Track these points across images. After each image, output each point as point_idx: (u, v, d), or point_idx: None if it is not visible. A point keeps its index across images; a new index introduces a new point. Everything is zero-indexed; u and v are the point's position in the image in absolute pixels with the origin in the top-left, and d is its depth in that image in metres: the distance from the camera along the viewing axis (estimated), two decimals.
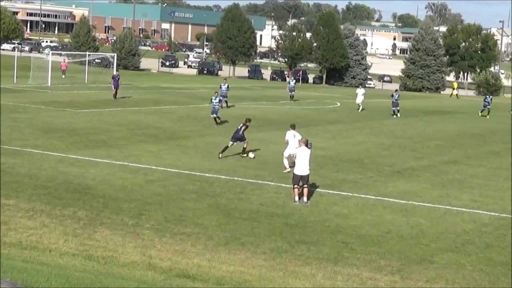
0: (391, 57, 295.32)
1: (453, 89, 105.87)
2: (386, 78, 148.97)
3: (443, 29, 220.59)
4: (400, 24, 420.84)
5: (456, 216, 23.84)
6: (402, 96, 67.60)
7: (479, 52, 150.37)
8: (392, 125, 52.24)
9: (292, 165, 26.69)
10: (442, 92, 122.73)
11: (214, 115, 44.96)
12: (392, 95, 59.45)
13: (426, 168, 33.47)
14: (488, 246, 20.47)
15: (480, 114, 65.29)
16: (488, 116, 63.88)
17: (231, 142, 33.39)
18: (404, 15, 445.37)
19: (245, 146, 33.57)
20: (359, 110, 60.34)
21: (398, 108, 58.47)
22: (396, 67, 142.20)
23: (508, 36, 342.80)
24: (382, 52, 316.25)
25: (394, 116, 57.63)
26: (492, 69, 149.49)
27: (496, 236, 21.60)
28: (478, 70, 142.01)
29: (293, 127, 31.18)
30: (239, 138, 33.67)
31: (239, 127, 34.02)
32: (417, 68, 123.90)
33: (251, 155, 33.34)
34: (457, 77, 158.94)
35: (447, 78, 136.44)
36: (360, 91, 61.97)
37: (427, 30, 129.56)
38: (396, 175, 30.98)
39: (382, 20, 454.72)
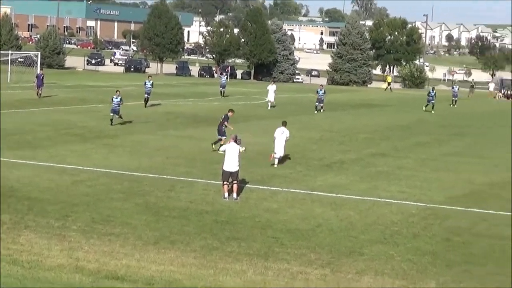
0: (318, 51, 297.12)
1: (387, 82, 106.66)
2: (314, 73, 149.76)
3: (369, 23, 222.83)
4: (327, 19, 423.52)
5: (384, 207, 24.01)
6: (330, 90, 67.98)
7: (404, 45, 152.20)
8: (320, 119, 52.46)
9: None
10: (369, 85, 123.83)
11: (112, 114, 41.83)
12: (317, 91, 58.92)
13: (354, 161, 33.68)
14: (416, 236, 20.65)
15: (424, 108, 63.50)
16: (433, 111, 62.00)
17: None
18: (331, 10, 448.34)
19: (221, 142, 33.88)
20: (269, 108, 57.87)
21: (322, 104, 57.57)
22: (323, 62, 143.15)
23: (432, 29, 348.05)
24: (310, 46, 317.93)
25: (316, 112, 56.70)
26: (417, 62, 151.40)
27: (423, 226, 21.81)
28: (404, 63, 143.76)
29: (284, 123, 32.01)
30: (219, 130, 34.56)
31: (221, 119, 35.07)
32: (344, 62, 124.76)
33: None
34: (383, 71, 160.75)
35: (374, 72, 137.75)
36: (272, 87, 59.90)
37: (353, 25, 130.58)
38: (325, 169, 31.09)
39: (309, 15, 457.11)
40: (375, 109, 65.10)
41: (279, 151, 31.05)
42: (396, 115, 59.39)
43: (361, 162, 33.36)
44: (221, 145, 34.22)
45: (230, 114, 35.55)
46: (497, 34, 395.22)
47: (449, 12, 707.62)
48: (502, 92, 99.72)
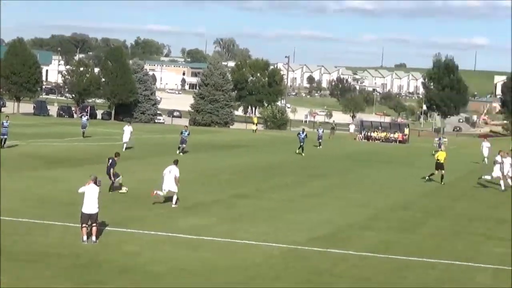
0: (180, 92, 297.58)
1: (254, 124, 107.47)
2: (175, 113, 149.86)
3: (231, 64, 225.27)
4: (189, 59, 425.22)
5: (246, 249, 23.95)
6: (193, 131, 67.77)
7: (266, 86, 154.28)
8: (183, 159, 52.05)
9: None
10: (231, 126, 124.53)
11: None
12: (182, 132, 58.69)
13: (216, 202, 33.58)
14: (277, 277, 20.64)
15: (297, 151, 62.52)
16: (303, 154, 61.46)
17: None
18: (193, 50, 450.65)
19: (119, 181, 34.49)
20: (124, 150, 55.37)
21: (184, 145, 57.20)
22: (185, 102, 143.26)
23: (293, 71, 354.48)
24: (172, 87, 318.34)
25: (178, 152, 56.02)
26: (279, 103, 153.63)
27: (284, 267, 21.84)
28: (266, 104, 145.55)
29: (175, 162, 32.52)
30: (108, 174, 34.37)
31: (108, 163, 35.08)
32: (206, 103, 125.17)
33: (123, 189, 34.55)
34: (245, 112, 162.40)
35: (236, 113, 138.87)
36: (128, 128, 58.64)
37: (215, 65, 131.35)
38: (187, 210, 30.85)
39: (171, 55, 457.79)
40: (238, 150, 65.40)
41: (166, 188, 31.63)
42: (258, 156, 59.78)
43: (223, 204, 33.29)
44: (120, 184, 34.61)
45: (116, 158, 35.55)
46: (357, 76, 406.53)
47: (310, 54, 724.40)
48: (363, 133, 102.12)
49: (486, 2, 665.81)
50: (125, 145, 57.33)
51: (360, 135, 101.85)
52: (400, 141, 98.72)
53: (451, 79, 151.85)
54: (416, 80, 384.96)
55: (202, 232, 26.08)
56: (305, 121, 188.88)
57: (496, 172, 44.29)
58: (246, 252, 23.53)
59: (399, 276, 21.46)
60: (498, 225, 31.19)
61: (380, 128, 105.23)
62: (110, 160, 35.34)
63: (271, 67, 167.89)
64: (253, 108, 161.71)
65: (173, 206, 31.61)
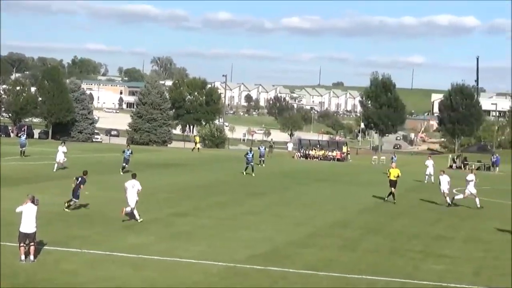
0: (118, 111, 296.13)
1: (195, 143, 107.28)
2: (113, 132, 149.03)
3: (169, 83, 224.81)
4: (126, 78, 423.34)
5: (186, 267, 23.86)
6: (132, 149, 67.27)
7: (204, 105, 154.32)
8: (122, 179, 51.86)
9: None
10: (169, 145, 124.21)
11: None
12: (124, 151, 58.42)
13: (155, 221, 33.39)
14: None
15: (244, 172, 61.78)
16: (253, 174, 61.05)
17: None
18: (130, 69, 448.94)
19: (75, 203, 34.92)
20: (55, 170, 55.12)
21: (126, 164, 57.00)
22: (123, 121, 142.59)
23: (231, 89, 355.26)
24: (109, 106, 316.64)
25: (122, 172, 55.82)
26: (216, 121, 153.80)
27: (224, 285, 21.81)
28: (204, 123, 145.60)
29: (134, 176, 33.69)
30: (74, 192, 34.90)
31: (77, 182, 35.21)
32: (144, 122, 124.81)
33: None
34: (183, 130, 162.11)
35: (174, 131, 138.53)
36: (61, 148, 57.84)
37: (153, 84, 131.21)
38: (126, 229, 30.63)
39: (109, 74, 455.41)
40: (176, 168, 65.20)
41: (132, 203, 32.51)
42: (197, 175, 59.67)
43: (162, 222, 33.13)
44: (69, 205, 34.58)
45: (86, 177, 35.79)
46: (294, 95, 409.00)
47: (248, 72, 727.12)
48: (301, 151, 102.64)
49: (422, 20, 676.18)
50: (56, 165, 56.35)
51: (298, 153, 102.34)
52: (338, 159, 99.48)
53: (389, 97, 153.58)
54: (354, 98, 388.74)
55: (141, 251, 25.92)
56: (243, 140, 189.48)
57: (470, 190, 44.91)
58: (186, 271, 23.43)
59: None
60: (436, 242, 31.55)
61: (318, 146, 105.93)
62: (79, 179, 35.46)
63: (209, 85, 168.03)
64: (191, 127, 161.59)
65: (139, 220, 32.50)
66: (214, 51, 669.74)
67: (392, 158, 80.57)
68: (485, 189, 56.51)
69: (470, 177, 45.48)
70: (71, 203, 35.11)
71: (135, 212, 32.76)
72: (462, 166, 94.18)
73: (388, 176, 46.75)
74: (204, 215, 36.15)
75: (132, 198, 32.82)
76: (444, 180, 45.17)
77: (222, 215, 36.45)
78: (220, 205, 40.72)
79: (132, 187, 32.92)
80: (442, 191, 45.15)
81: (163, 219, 34.02)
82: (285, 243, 29.28)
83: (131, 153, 58.19)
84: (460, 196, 45.40)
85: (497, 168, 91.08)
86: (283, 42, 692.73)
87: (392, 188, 45.76)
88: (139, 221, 32.42)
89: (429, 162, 64.55)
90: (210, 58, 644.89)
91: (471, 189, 44.93)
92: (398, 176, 46.29)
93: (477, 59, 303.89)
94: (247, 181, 56.41)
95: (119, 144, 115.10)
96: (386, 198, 46.22)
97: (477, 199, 44.63)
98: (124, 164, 57.04)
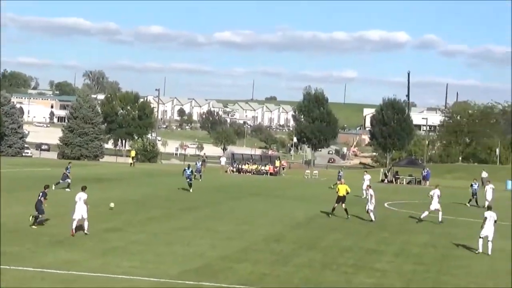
0: (48, 125, 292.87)
1: (132, 157, 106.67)
2: (44, 147, 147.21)
3: (101, 97, 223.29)
4: (57, 92, 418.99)
5: (118, 283, 23.63)
6: (62, 164, 66.59)
7: (136, 119, 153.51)
8: (54, 194, 51.19)
9: None
10: (101, 159, 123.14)
11: None
12: (67, 168, 57.86)
13: (87, 236, 33.01)
14: None
15: (190, 190, 59.50)
16: (191, 190, 59.29)
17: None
18: (61, 83, 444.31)
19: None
20: None
21: (61, 181, 56.38)
22: (54, 135, 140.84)
23: (164, 104, 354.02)
24: (40, 120, 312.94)
25: (68, 189, 55.00)
26: (149, 136, 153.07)
27: None
28: (136, 137, 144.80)
29: (83, 189, 34.58)
30: (37, 207, 34.99)
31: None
32: (75, 136, 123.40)
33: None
34: (115, 145, 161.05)
35: (106, 146, 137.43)
36: None
37: (84, 98, 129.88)
38: (57, 245, 30.22)
39: (39, 88, 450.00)
40: (109, 183, 64.62)
41: (78, 216, 33.22)
42: (129, 189, 59.24)
43: (94, 238, 32.76)
44: (35, 221, 34.79)
45: (47, 191, 35.95)
46: (227, 109, 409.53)
47: (181, 87, 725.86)
48: (234, 166, 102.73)
49: (353, 35, 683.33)
50: None
51: (231, 168, 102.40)
52: (271, 174, 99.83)
53: (321, 111, 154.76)
54: (287, 113, 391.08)
55: (73, 267, 25.58)
56: (176, 154, 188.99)
57: (434, 205, 45.43)
58: (119, 287, 23.19)
59: None
60: (368, 255, 31.81)
61: (251, 160, 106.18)
62: (41, 193, 35.60)
63: (141, 100, 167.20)
64: (123, 141, 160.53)
65: (85, 232, 33.16)
66: (146, 65, 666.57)
67: (339, 173, 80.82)
68: (416, 203, 57.37)
69: (435, 192, 46.06)
70: (37, 219, 35.08)
71: (87, 224, 33.57)
72: (394, 180, 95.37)
73: (337, 192, 46.76)
74: (137, 230, 35.88)
75: (78, 210, 33.43)
76: (370, 195, 45.26)
77: (155, 230, 36.22)
78: (153, 220, 40.47)
79: (80, 200, 33.75)
80: (367, 208, 45.24)
81: (95, 235, 33.64)
82: (218, 258, 29.21)
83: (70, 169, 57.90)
84: (426, 213, 45.79)
85: (428, 182, 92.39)
86: (216, 56, 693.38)
87: (342, 204, 45.78)
88: (86, 233, 33.24)
89: (367, 177, 65.15)
90: (143, 72, 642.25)
91: (435, 204, 45.50)
92: (347, 193, 46.46)
93: (408, 74, 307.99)
94: (180, 196, 56.20)
95: (49, 159, 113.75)
96: (330, 215, 46.10)
97: (440, 213, 45.41)
98: (61, 181, 56.28)
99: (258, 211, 48.00)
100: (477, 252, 33.66)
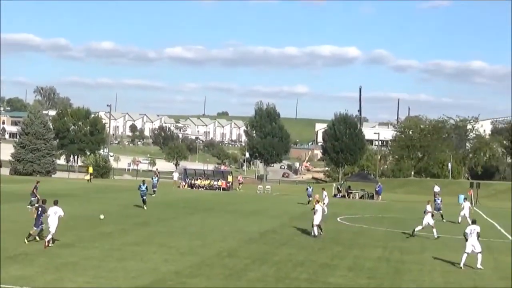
0: (1, 141, 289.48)
1: (89, 173, 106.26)
2: None
3: (52, 112, 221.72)
4: (8, 108, 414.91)
5: None
6: (12, 180, 66.02)
7: (88, 135, 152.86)
8: (2, 210, 50.86)
9: None
10: (53, 175, 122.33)
11: None
12: (35, 187, 57.18)
13: (39, 252, 32.80)
14: None
15: (144, 206, 58.82)
16: (145, 208, 58.30)
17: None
18: (12, 99, 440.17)
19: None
20: None
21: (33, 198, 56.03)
22: (6, 152, 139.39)
23: (116, 119, 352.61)
24: None
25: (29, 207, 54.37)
26: (101, 151, 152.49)
27: None
28: (88, 153, 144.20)
29: (55, 202, 35.78)
30: (38, 222, 35.66)
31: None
32: (27, 152, 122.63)
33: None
34: (67, 160, 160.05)
35: (58, 162, 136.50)
36: None
37: (36, 114, 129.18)
38: (9, 261, 29.96)
39: None
40: (61, 199, 63.93)
41: (52, 229, 34.67)
42: (81, 205, 58.90)
43: (47, 253, 32.56)
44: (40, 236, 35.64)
45: (44, 206, 36.44)
46: (179, 125, 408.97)
47: (132, 102, 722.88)
48: (186, 181, 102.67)
49: (304, 50, 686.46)
50: None
51: (184, 183, 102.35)
52: (223, 189, 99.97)
53: (273, 126, 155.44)
54: (239, 128, 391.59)
55: (25, 283, 25.41)
56: (128, 169, 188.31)
57: (427, 220, 46.11)
58: None
59: None
60: (321, 270, 31.99)
61: (203, 175, 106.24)
62: (40, 208, 36.12)
63: (93, 115, 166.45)
64: (76, 157, 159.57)
65: (49, 244, 34.38)
66: (98, 81, 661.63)
67: (307, 190, 79.12)
68: (368, 217, 57.89)
69: (428, 208, 46.67)
70: (40, 232, 36.04)
71: (50, 236, 34.68)
72: (346, 195, 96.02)
73: (313, 209, 46.03)
74: (90, 246, 35.72)
75: (52, 223, 34.81)
76: (319, 209, 44.64)
77: (108, 246, 36.09)
78: (106, 235, 40.32)
79: (55, 214, 35.05)
80: (313, 223, 44.52)
81: (48, 250, 33.45)
82: (172, 273, 29.19)
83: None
84: (419, 227, 46.23)
85: (380, 196, 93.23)
86: (167, 72, 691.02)
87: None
88: (50, 244, 34.37)
89: (324, 193, 65.34)
90: (94, 88, 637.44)
91: (428, 219, 46.08)
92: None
93: (360, 89, 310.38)
94: (132, 211, 56.03)
95: (2, 175, 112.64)
96: (321, 233, 44.80)
97: (434, 230, 46.01)
98: (32, 199, 55.80)
99: (211, 226, 48.02)
100: (460, 266, 33.75)
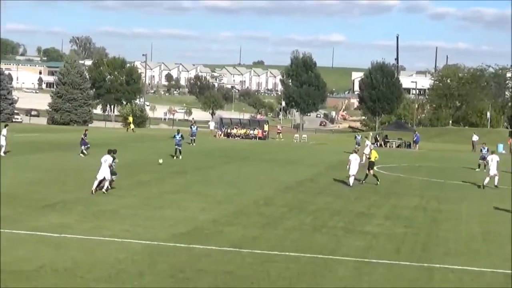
0: (37, 91, 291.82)
1: (129, 123, 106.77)
2: (33, 113, 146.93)
3: (88, 62, 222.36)
4: (45, 58, 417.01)
5: (109, 246, 23.71)
6: (57, 130, 66.47)
7: (124, 85, 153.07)
8: (39, 159, 51.28)
9: None
10: (90, 125, 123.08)
11: None
12: (85, 134, 57.66)
13: (77, 200, 33.09)
14: (141, 274, 20.47)
15: (174, 156, 58.19)
16: (180, 157, 57.78)
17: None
18: (49, 49, 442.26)
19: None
20: (2, 153, 52.96)
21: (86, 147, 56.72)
22: (43, 101, 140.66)
23: (151, 69, 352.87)
24: (29, 86, 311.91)
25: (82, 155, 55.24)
26: (137, 101, 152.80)
27: (148, 263, 21.70)
28: (124, 103, 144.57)
29: (109, 152, 36.94)
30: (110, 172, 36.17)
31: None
32: (64, 102, 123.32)
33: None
34: (104, 110, 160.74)
35: (95, 111, 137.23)
36: (4, 130, 56.19)
37: (72, 64, 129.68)
38: (48, 209, 30.26)
39: (27, 54, 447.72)
40: (99, 148, 64.43)
41: (101, 176, 35.61)
42: (119, 154, 59.02)
43: (84, 202, 32.83)
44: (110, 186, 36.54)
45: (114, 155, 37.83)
46: (215, 74, 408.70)
47: (168, 52, 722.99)
48: (223, 130, 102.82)
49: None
50: (2, 148, 54.53)
51: (220, 132, 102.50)
52: (260, 138, 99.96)
53: (309, 76, 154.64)
54: (275, 77, 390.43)
55: (64, 230, 25.65)
56: (165, 119, 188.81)
57: (493, 171, 46.44)
58: (109, 249, 23.28)
59: (261, 270, 21.66)
60: (358, 218, 31.97)
61: (239, 125, 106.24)
62: (113, 158, 37.06)
63: (129, 65, 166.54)
64: (112, 107, 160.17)
65: (103, 191, 35.40)
66: (133, 31, 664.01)
67: (355, 137, 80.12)
68: (405, 167, 57.65)
69: (493, 158, 46.87)
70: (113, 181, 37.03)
71: (107, 183, 35.90)
72: (383, 144, 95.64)
73: (369, 158, 46.84)
74: (128, 194, 35.97)
75: (102, 171, 35.68)
76: (354, 160, 44.29)
77: (145, 194, 36.33)
78: (143, 184, 40.58)
79: (105, 162, 35.91)
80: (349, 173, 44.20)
81: (86, 199, 33.73)
82: (208, 221, 29.32)
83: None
84: (487, 179, 46.19)
85: (417, 145, 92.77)
86: (202, 21, 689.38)
87: (371, 170, 45.69)
88: (104, 191, 35.44)
89: (367, 142, 65.30)
90: (130, 38, 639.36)
91: (493, 169, 46.41)
92: (375, 158, 46.55)
93: (397, 37, 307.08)
94: (169, 160, 56.23)
95: (40, 125, 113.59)
96: (363, 182, 45.20)
97: (496, 178, 46.28)
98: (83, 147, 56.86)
99: (247, 175, 48.14)
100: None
